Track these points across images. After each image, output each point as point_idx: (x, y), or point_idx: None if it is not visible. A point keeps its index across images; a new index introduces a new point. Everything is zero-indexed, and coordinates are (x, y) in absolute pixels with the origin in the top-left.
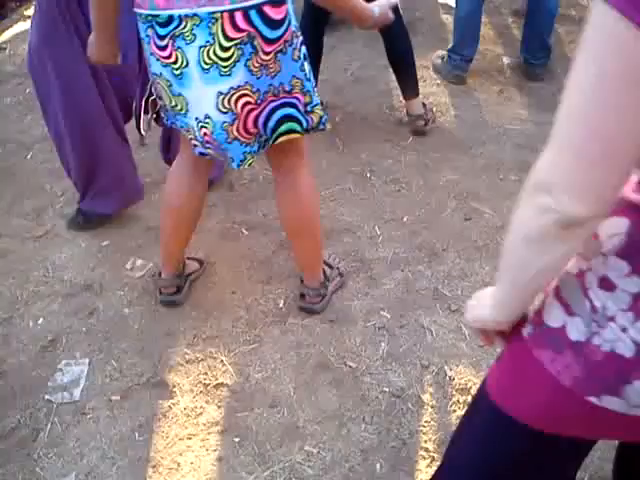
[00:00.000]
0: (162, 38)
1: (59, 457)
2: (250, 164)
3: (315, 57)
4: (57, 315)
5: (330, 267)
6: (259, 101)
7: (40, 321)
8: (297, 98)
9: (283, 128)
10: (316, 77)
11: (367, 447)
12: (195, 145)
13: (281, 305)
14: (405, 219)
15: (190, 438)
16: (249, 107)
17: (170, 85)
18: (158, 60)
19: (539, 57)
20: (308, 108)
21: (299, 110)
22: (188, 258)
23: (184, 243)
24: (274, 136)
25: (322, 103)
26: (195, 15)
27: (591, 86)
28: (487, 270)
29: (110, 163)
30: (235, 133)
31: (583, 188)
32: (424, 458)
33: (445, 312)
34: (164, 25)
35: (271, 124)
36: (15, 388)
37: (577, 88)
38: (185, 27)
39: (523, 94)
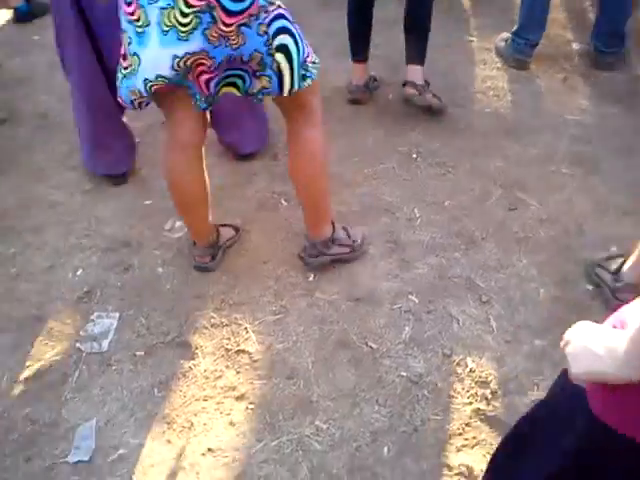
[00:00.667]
0: None
1: (83, 402)
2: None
3: (363, 33)
4: (95, 268)
5: (347, 235)
6: (213, 68)
7: (79, 272)
8: (250, 67)
9: (226, 82)
10: (367, 52)
11: (377, 429)
12: (140, 101)
13: (311, 279)
14: (446, 204)
15: (206, 400)
16: (201, 70)
17: (130, 43)
18: (124, 15)
19: (611, 45)
20: (257, 73)
21: (247, 73)
22: (224, 225)
23: (203, 219)
24: (217, 92)
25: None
26: None
27: None
28: (524, 263)
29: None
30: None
31: None
32: (433, 447)
33: (475, 303)
34: None
35: (218, 86)
36: (51, 333)
37: None
38: None
39: (589, 84)
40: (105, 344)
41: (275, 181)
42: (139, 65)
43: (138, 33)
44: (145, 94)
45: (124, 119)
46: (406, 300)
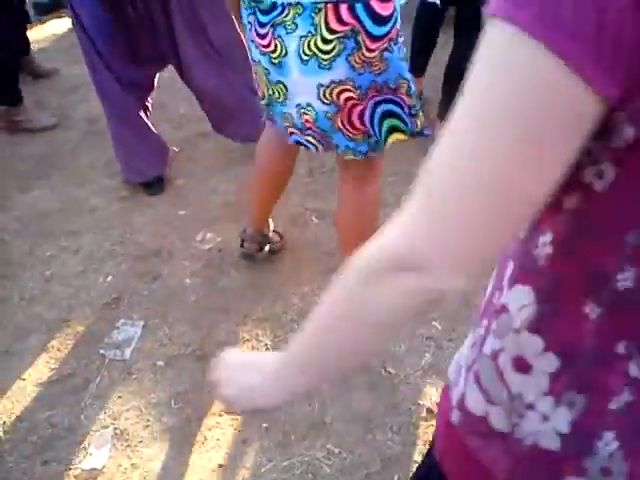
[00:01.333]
0: (263, 26)
1: (102, 410)
2: (350, 158)
3: (427, 52)
4: (125, 275)
5: None
6: (362, 97)
7: (109, 279)
8: (401, 98)
9: (388, 123)
10: (424, 71)
11: (389, 456)
12: (292, 133)
13: None
14: None
15: (221, 415)
16: (352, 102)
17: (268, 73)
18: (257, 48)
19: None
20: (412, 111)
21: (403, 110)
22: (273, 230)
23: (269, 205)
24: (383, 136)
25: (420, 97)
26: (298, 4)
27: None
28: None
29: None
30: (339, 124)
31: (468, 258)
32: None
33: None
34: (267, 12)
35: (376, 119)
36: (77, 337)
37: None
38: (287, 15)
39: None
40: (128, 352)
41: (308, 197)
42: (287, 93)
43: (274, 64)
44: (296, 120)
45: (148, 122)
46: (429, 326)
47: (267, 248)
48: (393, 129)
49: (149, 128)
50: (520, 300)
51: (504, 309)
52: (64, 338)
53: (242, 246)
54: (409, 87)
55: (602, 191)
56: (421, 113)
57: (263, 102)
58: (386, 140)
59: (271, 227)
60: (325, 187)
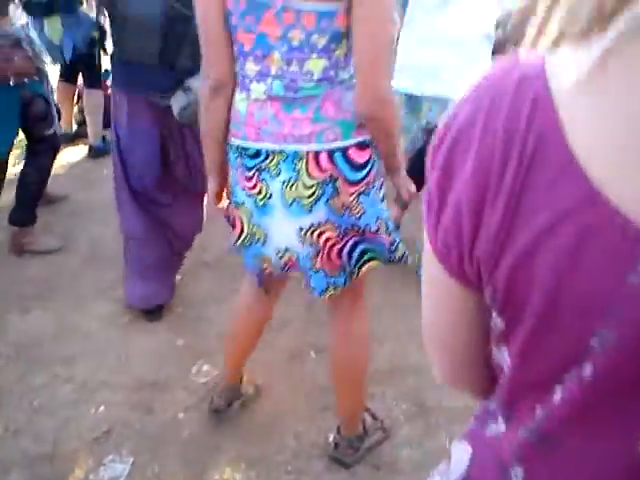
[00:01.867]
0: (249, 169)
1: None
2: (331, 295)
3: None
4: (117, 407)
5: (374, 419)
6: (342, 236)
7: (101, 409)
8: (382, 239)
9: (366, 257)
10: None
11: None
12: (271, 271)
13: (331, 439)
14: None
15: None
16: (331, 242)
17: (251, 215)
18: (243, 190)
19: None
20: (392, 248)
21: (384, 249)
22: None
23: (247, 354)
24: (357, 267)
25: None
26: (282, 151)
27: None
28: None
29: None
30: (320, 264)
31: (445, 373)
32: None
33: None
34: (252, 157)
35: (355, 255)
36: (61, 474)
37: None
38: (272, 161)
39: None
40: None
41: (307, 331)
42: (267, 236)
43: (259, 206)
44: (275, 262)
45: (162, 252)
46: (427, 474)
47: (238, 403)
48: (370, 259)
49: (163, 258)
50: (459, 455)
51: (449, 458)
52: (46, 477)
53: (211, 402)
54: (387, 226)
55: (507, 377)
56: (401, 245)
57: (238, 243)
58: (360, 269)
59: (244, 378)
60: (324, 320)
